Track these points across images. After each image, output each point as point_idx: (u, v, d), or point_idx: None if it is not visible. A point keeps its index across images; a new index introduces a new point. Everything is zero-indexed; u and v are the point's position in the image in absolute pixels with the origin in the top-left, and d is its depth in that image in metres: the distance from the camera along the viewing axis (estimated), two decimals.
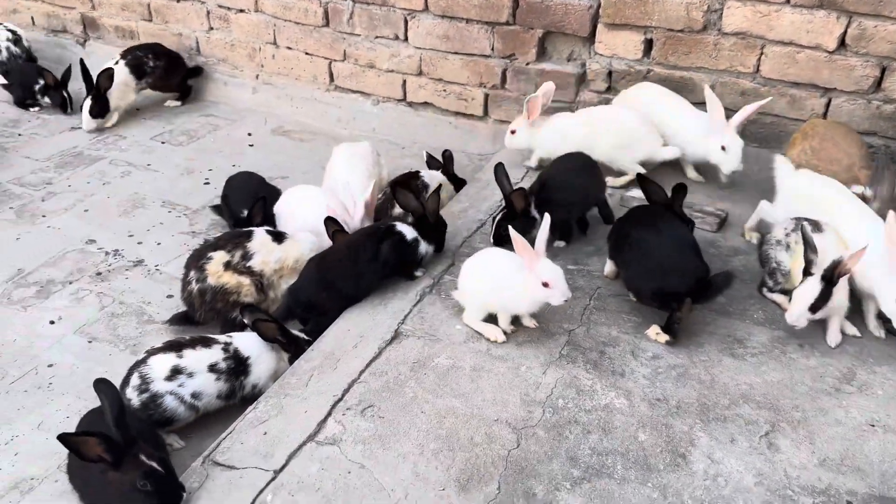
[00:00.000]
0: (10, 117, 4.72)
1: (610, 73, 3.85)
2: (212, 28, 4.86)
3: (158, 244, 3.48)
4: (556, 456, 2.03)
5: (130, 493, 1.90)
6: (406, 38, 4.29)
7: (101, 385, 1.96)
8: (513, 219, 2.84)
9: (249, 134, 4.60)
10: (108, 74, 4.42)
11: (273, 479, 1.97)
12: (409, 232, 2.81)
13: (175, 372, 2.38)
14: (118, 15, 5.14)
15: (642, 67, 3.77)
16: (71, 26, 5.38)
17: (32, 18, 5.52)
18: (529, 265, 2.33)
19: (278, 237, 3.00)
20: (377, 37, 4.36)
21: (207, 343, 2.49)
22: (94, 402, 2.49)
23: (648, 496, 1.92)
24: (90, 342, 2.89)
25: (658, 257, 2.46)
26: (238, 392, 2.49)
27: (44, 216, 3.69)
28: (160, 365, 2.38)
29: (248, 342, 2.54)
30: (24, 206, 3.78)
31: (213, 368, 2.42)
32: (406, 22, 4.22)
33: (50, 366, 2.76)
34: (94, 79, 4.40)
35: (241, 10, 4.69)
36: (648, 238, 2.52)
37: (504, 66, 4.10)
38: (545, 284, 2.31)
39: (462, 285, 2.56)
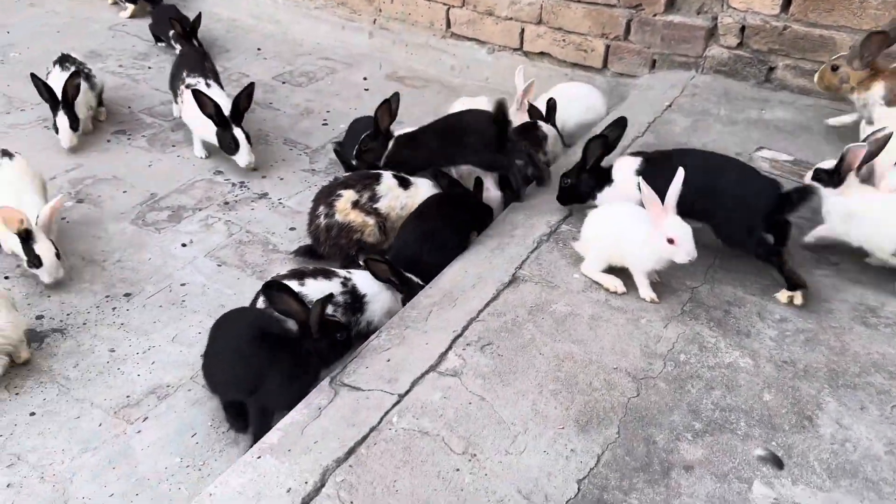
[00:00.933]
0: (140, 50, 4.94)
1: (743, 29, 3.69)
2: None
3: (281, 179, 3.62)
4: (676, 407, 2.03)
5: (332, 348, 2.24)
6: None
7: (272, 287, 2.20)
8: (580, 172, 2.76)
9: (365, 78, 4.67)
10: None
11: (398, 402, 2.05)
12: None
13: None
14: None
15: (778, 24, 3.59)
16: None
17: None
18: (656, 220, 2.30)
19: (404, 183, 3.04)
20: None
21: (328, 275, 2.58)
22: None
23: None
24: (219, 266, 3.05)
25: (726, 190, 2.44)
26: (353, 328, 2.58)
27: (173, 146, 3.88)
28: None
29: (366, 280, 2.61)
30: (155, 135, 3.98)
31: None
32: None
33: (183, 284, 2.93)
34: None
35: None
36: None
37: (629, 17, 3.99)
38: (671, 241, 2.27)
39: (584, 236, 2.55)
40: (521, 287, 2.50)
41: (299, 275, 2.55)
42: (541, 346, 2.25)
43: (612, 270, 2.50)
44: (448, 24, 4.62)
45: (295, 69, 4.75)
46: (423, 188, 3.05)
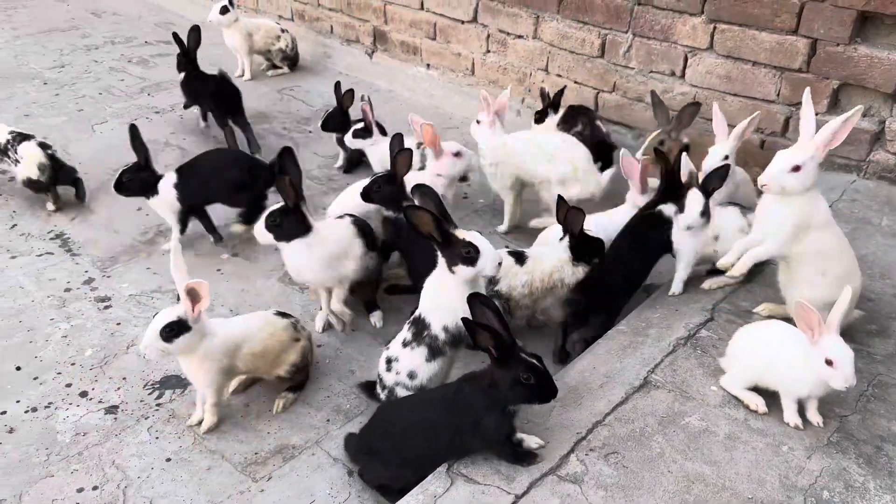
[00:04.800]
0: (304, 115, 5.31)
1: None
2: (488, 51, 5.10)
3: None
4: None
5: (514, 387, 2.07)
6: (683, 76, 4.18)
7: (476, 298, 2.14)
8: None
9: None
10: None
11: (514, 503, 2.01)
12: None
13: (388, 361, 2.59)
14: (406, 31, 5.57)
15: None
16: (363, 37, 5.93)
17: (332, 27, 6.16)
18: (814, 338, 2.15)
19: (520, 258, 2.99)
20: (652, 71, 4.30)
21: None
22: (347, 384, 2.76)
23: None
24: (354, 330, 3.16)
25: None
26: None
27: (324, 209, 4.09)
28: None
29: None
30: (309, 197, 4.20)
31: None
32: (686, 59, 4.11)
33: (318, 346, 3.06)
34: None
35: (520, 37, 4.87)
36: None
37: (788, 114, 3.84)
38: (828, 362, 2.11)
39: (731, 352, 2.42)
40: (653, 393, 2.41)
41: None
42: (670, 462, 2.14)
43: (755, 388, 2.36)
44: (596, 107, 4.64)
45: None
46: (541, 259, 3.00)
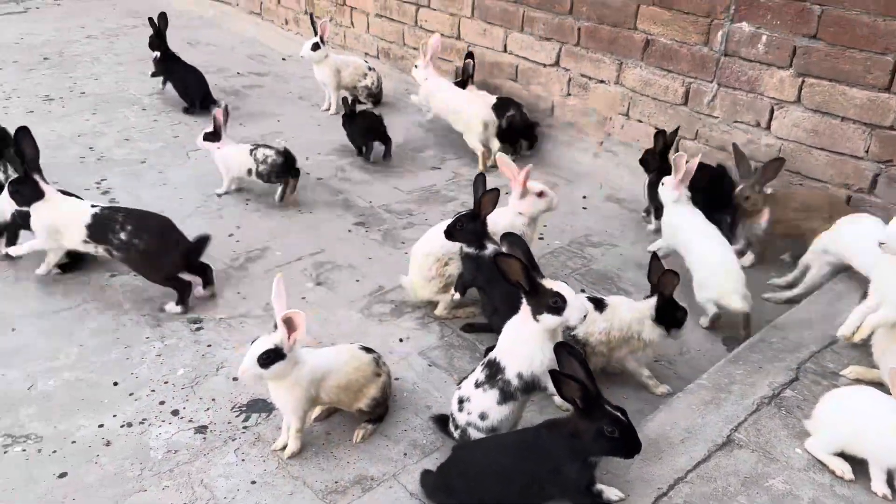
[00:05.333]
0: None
1: None
2: (569, 94, 5.18)
3: None
4: None
5: (597, 439, 2.09)
6: (768, 127, 4.15)
7: (563, 348, 2.19)
8: None
9: (584, 197, 4.80)
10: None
11: None
12: None
13: (460, 401, 2.63)
14: (489, 72, 5.69)
15: None
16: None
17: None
18: None
19: (599, 305, 3.01)
20: (736, 121, 4.29)
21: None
22: (424, 418, 2.81)
23: None
24: (430, 365, 3.23)
25: None
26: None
27: (403, 242, 4.20)
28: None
29: None
30: (389, 230, 4.34)
31: None
32: (772, 111, 4.09)
33: (396, 379, 3.13)
34: None
35: (602, 82, 4.92)
36: None
37: (877, 171, 3.77)
38: None
39: (819, 416, 2.39)
40: (736, 453, 2.39)
41: None
42: None
43: (841, 454, 2.32)
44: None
45: None
46: (621, 308, 3.01)
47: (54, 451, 2.66)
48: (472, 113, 5.06)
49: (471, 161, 5.24)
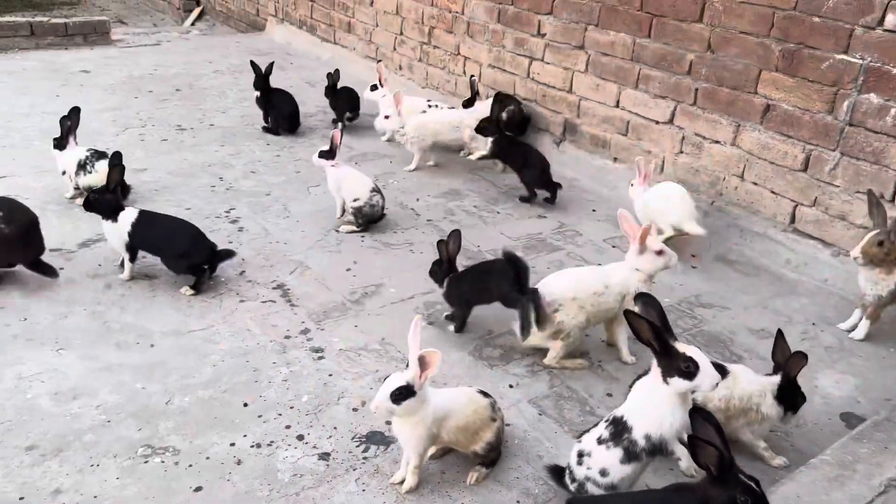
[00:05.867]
0: (492, 195, 5.60)
1: None
2: (682, 152, 5.20)
3: (602, 341, 3.81)
4: None
5: None
6: (892, 200, 4.07)
7: (699, 413, 2.21)
8: None
9: (693, 255, 4.79)
10: None
11: None
12: None
13: (580, 455, 2.65)
14: (598, 125, 5.79)
15: None
16: (553, 127, 6.21)
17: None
18: None
19: (721, 371, 3.02)
20: (858, 192, 4.22)
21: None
22: (535, 467, 2.86)
23: None
24: (540, 415, 3.28)
25: None
26: None
27: None
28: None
29: None
30: None
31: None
32: None
33: (508, 425, 3.19)
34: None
35: (717, 142, 4.94)
36: None
37: None
38: None
39: None
40: None
41: None
42: None
43: None
44: (792, 220, 4.59)
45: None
46: (743, 378, 2.99)
47: (190, 465, 2.84)
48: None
49: (577, 211, 5.31)
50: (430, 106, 6.44)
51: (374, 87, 6.54)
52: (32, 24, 8.84)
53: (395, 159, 6.12)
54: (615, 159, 5.71)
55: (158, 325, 3.67)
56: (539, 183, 5.38)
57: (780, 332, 2.99)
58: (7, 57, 8.40)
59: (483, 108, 5.85)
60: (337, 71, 6.73)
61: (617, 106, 5.59)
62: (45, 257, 4.15)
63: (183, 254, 3.93)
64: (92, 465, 2.81)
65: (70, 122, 4.80)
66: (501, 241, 4.84)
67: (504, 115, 5.68)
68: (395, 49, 7.88)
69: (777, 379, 2.93)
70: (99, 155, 4.81)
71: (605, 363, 3.65)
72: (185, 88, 7.52)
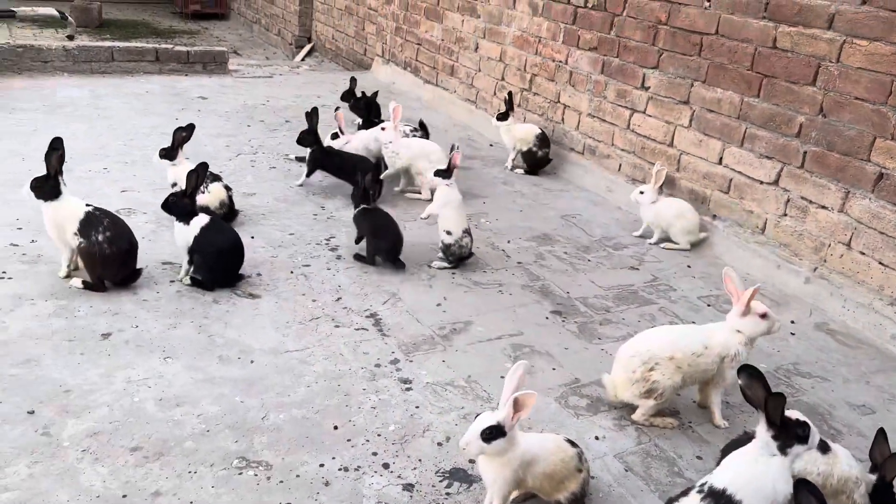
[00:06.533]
0: (583, 243, 5.60)
1: None
2: (785, 214, 5.08)
3: (693, 402, 3.72)
4: None
5: None
6: None
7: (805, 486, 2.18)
8: None
9: (792, 322, 4.63)
10: None
11: None
12: None
13: None
14: (698, 181, 5.73)
15: None
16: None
17: (620, 165, 6.50)
18: None
19: (824, 447, 2.90)
20: None
21: None
22: None
23: None
24: (626, 470, 3.22)
25: None
26: None
27: (599, 339, 4.26)
28: None
29: None
30: (585, 323, 4.42)
31: None
32: None
33: (592, 477, 3.15)
34: None
35: (824, 207, 4.80)
36: None
37: None
38: None
39: None
40: None
41: None
42: None
43: None
44: None
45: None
46: (843, 460, 2.85)
47: (281, 482, 2.93)
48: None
49: (673, 266, 5.25)
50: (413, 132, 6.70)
51: (334, 136, 6.37)
52: (158, 50, 9.49)
53: (489, 201, 6.22)
54: (714, 216, 5.62)
55: (259, 343, 3.83)
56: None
57: (880, 431, 2.87)
58: (133, 79, 9.04)
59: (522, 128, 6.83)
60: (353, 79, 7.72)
61: (720, 163, 5.52)
62: (158, 270, 4.42)
63: (225, 269, 4.33)
64: (190, 472, 2.94)
65: (184, 134, 5.07)
66: (591, 290, 4.83)
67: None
68: (494, 94, 8.04)
69: (873, 477, 2.84)
70: (213, 177, 5.09)
71: (695, 424, 3.56)
72: (294, 121, 7.87)
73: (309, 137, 5.92)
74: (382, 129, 6.07)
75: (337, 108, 6.69)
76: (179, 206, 4.26)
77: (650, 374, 3.44)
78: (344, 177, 5.91)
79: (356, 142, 6.36)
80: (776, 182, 5.11)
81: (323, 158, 5.96)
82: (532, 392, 2.57)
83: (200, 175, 4.29)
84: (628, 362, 3.51)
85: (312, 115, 5.91)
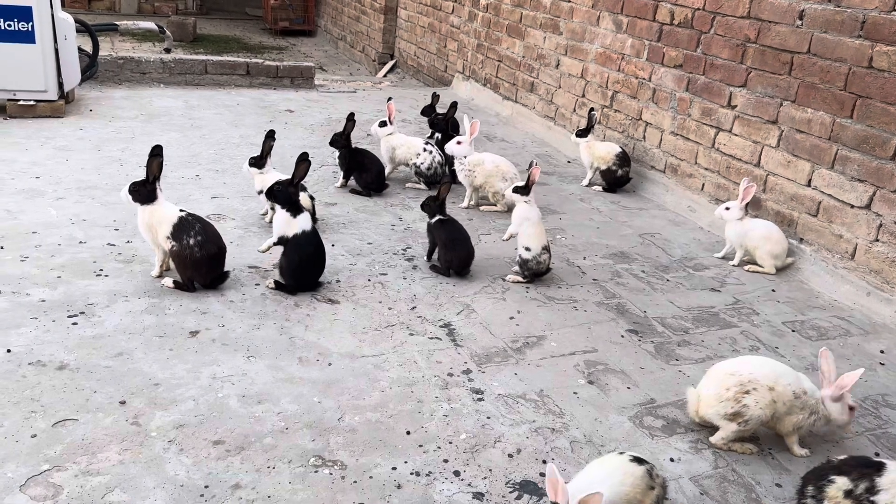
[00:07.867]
0: (662, 262, 5.50)
1: None
2: (877, 240, 4.87)
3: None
4: None
5: None
6: None
7: None
8: None
9: (882, 352, 4.42)
10: None
11: None
12: None
13: None
14: (785, 203, 5.55)
15: None
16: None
17: (703, 185, 6.37)
18: None
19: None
20: None
21: None
22: None
23: None
24: (701, 494, 3.13)
25: None
26: None
27: (676, 360, 4.17)
28: None
29: None
30: (662, 343, 4.34)
31: None
32: None
33: (666, 499, 3.08)
34: None
35: None
36: None
37: None
38: None
39: None
40: None
41: None
42: None
43: None
44: None
45: (807, 320, 4.75)
46: None
47: (354, 482, 3.00)
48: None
49: (756, 289, 5.10)
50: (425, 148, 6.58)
51: (382, 123, 6.52)
52: (249, 64, 9.89)
53: (566, 217, 6.19)
54: (801, 240, 5.44)
55: (336, 347, 3.93)
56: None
57: None
58: (224, 92, 9.45)
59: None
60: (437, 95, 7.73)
61: (808, 185, 5.35)
62: (244, 273, 4.60)
63: (304, 273, 4.45)
64: (269, 467, 3.04)
65: (272, 142, 5.26)
66: (669, 310, 4.74)
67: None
68: (574, 111, 8.03)
69: None
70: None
71: (776, 451, 3.45)
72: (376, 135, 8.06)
73: (340, 140, 6.14)
74: (458, 143, 6.09)
75: (389, 99, 6.84)
76: (285, 193, 4.41)
77: (744, 396, 3.33)
78: (368, 176, 6.19)
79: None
80: (868, 206, 4.91)
81: (350, 160, 6.23)
82: (598, 492, 2.39)
83: (307, 167, 4.43)
84: (725, 379, 3.40)
85: (349, 120, 6.12)
